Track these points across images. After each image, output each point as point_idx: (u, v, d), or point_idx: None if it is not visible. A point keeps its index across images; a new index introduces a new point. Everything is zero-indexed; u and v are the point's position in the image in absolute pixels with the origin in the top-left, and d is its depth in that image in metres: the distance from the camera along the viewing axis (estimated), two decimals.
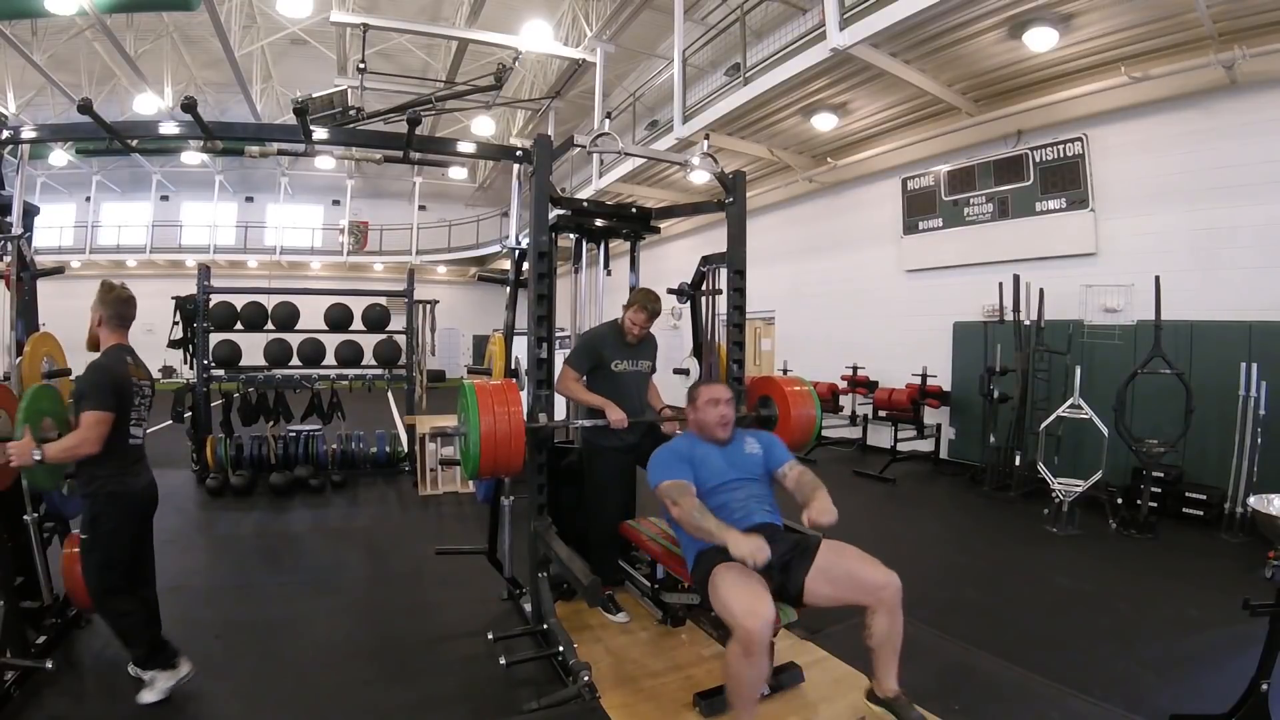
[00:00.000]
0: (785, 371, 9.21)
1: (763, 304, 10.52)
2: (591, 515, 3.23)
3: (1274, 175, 5.22)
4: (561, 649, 2.50)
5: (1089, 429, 5.23)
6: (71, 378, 2.95)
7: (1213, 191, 5.59)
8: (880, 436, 8.18)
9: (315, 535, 4.94)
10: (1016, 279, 6.36)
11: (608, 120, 3.91)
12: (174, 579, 3.51)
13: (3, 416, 2.59)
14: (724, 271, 3.44)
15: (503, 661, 2.57)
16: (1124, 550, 4.61)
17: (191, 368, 6.22)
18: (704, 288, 3.76)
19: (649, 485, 2.41)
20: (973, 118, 7.04)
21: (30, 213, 3.26)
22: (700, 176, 9.32)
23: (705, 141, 3.95)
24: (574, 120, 13.98)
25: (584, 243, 3.67)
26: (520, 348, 3.31)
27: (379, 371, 6.96)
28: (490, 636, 2.93)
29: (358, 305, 6.73)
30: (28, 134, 3.21)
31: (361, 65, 7.92)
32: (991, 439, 6.28)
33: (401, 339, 6.96)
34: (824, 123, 7.76)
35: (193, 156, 15.57)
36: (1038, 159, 6.82)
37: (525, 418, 2.74)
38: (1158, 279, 5.13)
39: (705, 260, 3.66)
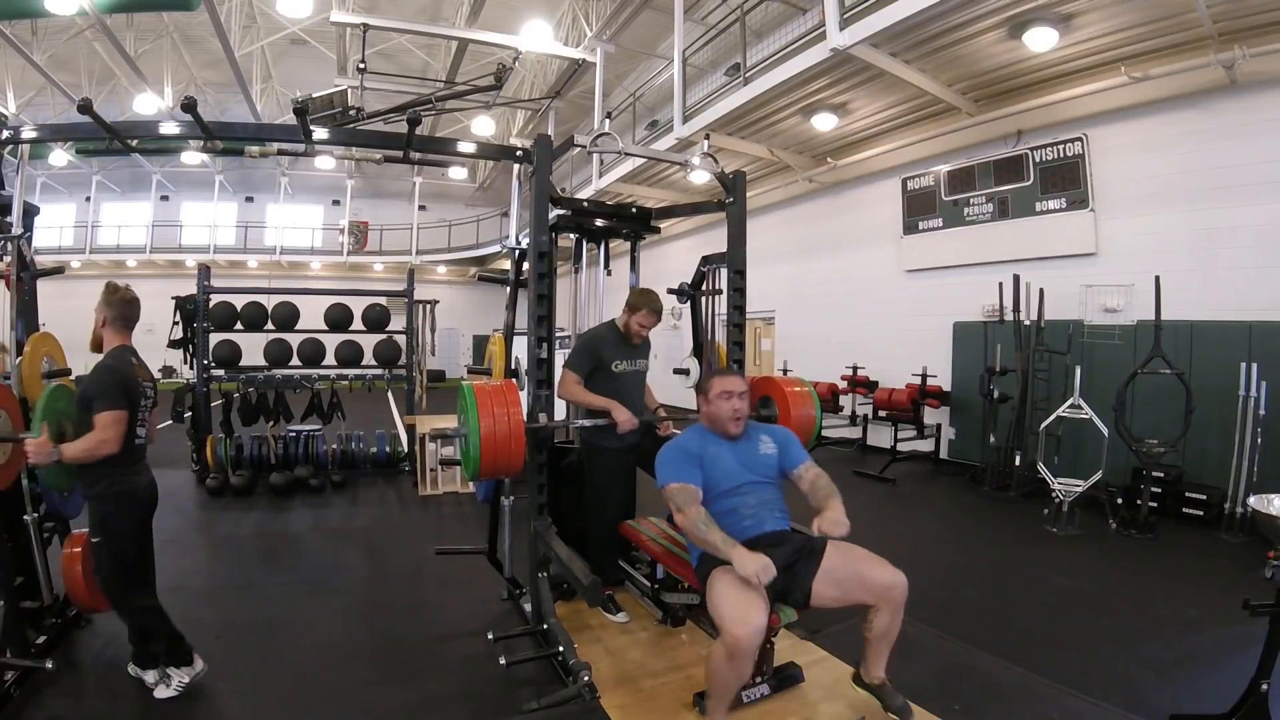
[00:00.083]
0: (785, 371, 9.21)
1: (763, 304, 10.51)
2: (591, 515, 3.22)
3: (1274, 175, 5.23)
4: (561, 649, 2.50)
5: (1089, 429, 5.23)
6: (72, 378, 2.96)
7: (1213, 191, 5.59)
8: (880, 436, 8.18)
9: (315, 535, 4.94)
10: (1016, 279, 6.36)
11: (608, 120, 3.92)
12: (174, 579, 3.51)
13: (3, 416, 2.58)
14: (724, 271, 3.44)
15: (503, 661, 2.57)
16: (1124, 550, 4.61)
17: (191, 368, 6.23)
18: (704, 288, 3.77)
19: (655, 484, 2.39)
20: (973, 118, 7.04)
21: (30, 213, 3.25)
22: (700, 176, 9.32)
23: (705, 141, 3.95)
24: (574, 120, 13.98)
25: (584, 243, 3.67)
26: (520, 348, 3.30)
27: (379, 371, 6.96)
28: (490, 636, 2.92)
29: (358, 305, 6.73)
30: (28, 134, 3.20)
31: (361, 65, 7.93)
32: (991, 439, 6.28)
33: (401, 339, 6.96)
34: (824, 123, 7.76)
35: (193, 156, 15.57)
36: (1038, 159, 6.82)
37: (525, 418, 2.74)
38: (1158, 279, 5.14)
39: (705, 260, 3.66)
